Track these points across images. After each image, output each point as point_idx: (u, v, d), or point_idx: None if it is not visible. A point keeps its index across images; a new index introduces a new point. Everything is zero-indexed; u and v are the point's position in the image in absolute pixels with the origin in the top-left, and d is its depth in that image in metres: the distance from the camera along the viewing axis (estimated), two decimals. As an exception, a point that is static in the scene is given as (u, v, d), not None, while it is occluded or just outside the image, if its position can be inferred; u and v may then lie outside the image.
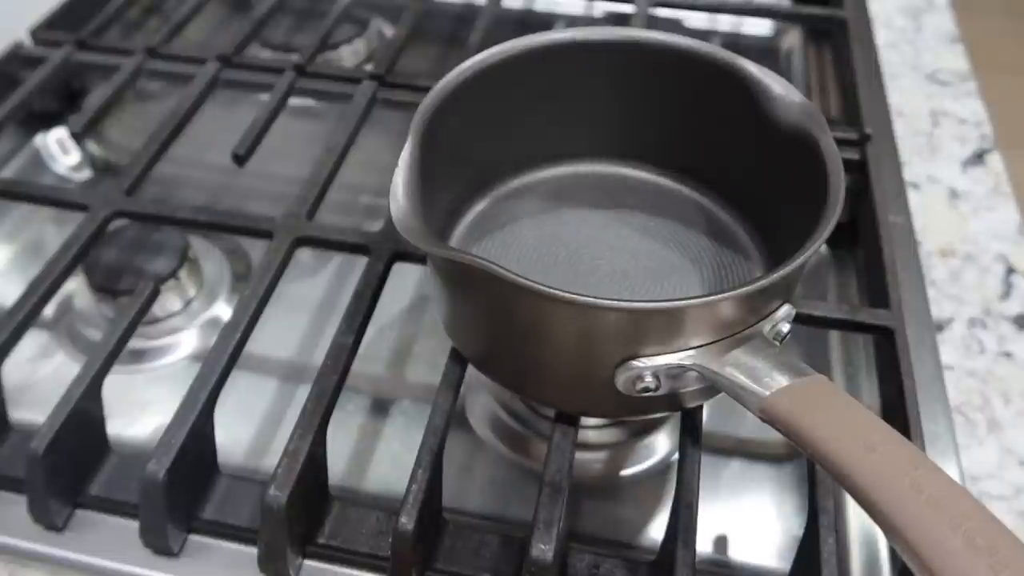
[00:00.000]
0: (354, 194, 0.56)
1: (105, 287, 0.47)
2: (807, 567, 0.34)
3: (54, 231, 0.55)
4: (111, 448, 0.40)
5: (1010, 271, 0.51)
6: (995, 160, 0.58)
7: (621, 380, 0.32)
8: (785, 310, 0.33)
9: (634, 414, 0.38)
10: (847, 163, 0.35)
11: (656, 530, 0.36)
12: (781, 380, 0.30)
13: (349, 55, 0.67)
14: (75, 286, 0.49)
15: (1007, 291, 0.50)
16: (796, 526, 0.39)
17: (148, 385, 0.46)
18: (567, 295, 0.30)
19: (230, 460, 0.41)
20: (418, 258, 0.44)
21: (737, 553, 0.39)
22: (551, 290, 0.30)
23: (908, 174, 0.56)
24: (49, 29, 0.64)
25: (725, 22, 0.71)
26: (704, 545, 0.39)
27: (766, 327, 0.33)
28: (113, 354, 0.40)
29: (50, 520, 0.37)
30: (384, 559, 0.36)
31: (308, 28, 0.67)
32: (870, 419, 0.28)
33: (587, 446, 0.42)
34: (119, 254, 0.48)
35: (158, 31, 0.62)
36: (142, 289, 0.42)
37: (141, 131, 0.53)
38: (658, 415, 0.41)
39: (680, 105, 0.42)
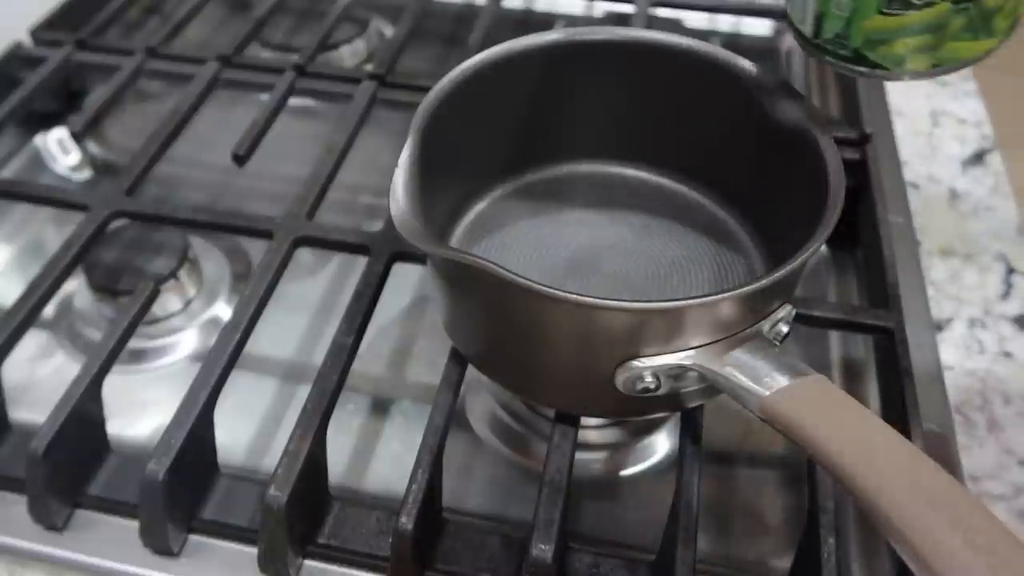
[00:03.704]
0: (354, 194, 0.56)
1: (105, 287, 0.47)
2: (807, 567, 0.34)
3: (54, 231, 0.55)
4: (111, 448, 0.40)
5: (1010, 271, 0.51)
6: (995, 160, 0.58)
7: (621, 380, 0.32)
8: (785, 310, 0.33)
9: (634, 414, 0.38)
10: (847, 163, 0.35)
11: (656, 530, 0.36)
12: (781, 380, 0.30)
13: (349, 55, 0.67)
14: (75, 286, 0.49)
15: (1007, 291, 0.50)
16: (796, 526, 0.39)
17: (148, 385, 0.46)
18: (567, 295, 0.30)
19: (230, 460, 0.41)
20: (418, 258, 0.44)
21: (737, 553, 0.39)
22: (551, 290, 0.30)
23: (908, 174, 0.56)
24: (49, 29, 0.64)
25: (725, 22, 0.71)
26: (704, 545, 0.39)
27: (766, 327, 0.33)
28: (113, 354, 0.40)
29: (50, 520, 0.37)
30: (384, 559, 0.36)
31: (308, 28, 0.67)
32: (870, 419, 0.28)
33: (587, 446, 0.42)
34: (119, 254, 0.48)
35: (158, 31, 0.62)
36: (142, 289, 0.42)
37: (141, 131, 0.53)
38: (658, 415, 0.41)
39: (680, 105, 0.42)
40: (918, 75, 0.32)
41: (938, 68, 0.32)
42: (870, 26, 0.32)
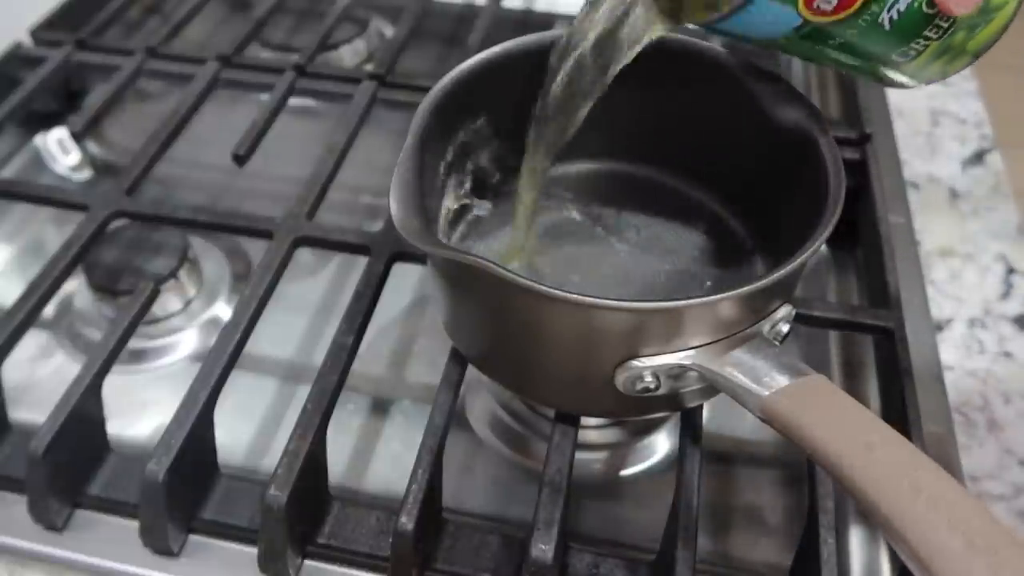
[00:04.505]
0: (354, 194, 0.56)
1: (105, 287, 0.47)
2: (807, 567, 0.34)
3: (54, 231, 0.55)
4: (111, 448, 0.40)
5: (1010, 271, 0.51)
6: (995, 160, 0.58)
7: (621, 380, 0.32)
8: (785, 310, 0.33)
9: (634, 414, 0.38)
10: (847, 163, 0.35)
11: (656, 530, 0.36)
12: (781, 380, 0.30)
13: (349, 55, 0.67)
14: (75, 286, 0.49)
15: (1007, 291, 0.50)
16: (796, 526, 0.39)
17: (148, 385, 0.46)
18: (567, 295, 0.30)
19: (230, 460, 0.41)
20: (418, 258, 0.44)
21: (737, 553, 0.39)
22: (551, 290, 0.30)
23: (908, 174, 0.56)
24: (49, 29, 0.64)
25: (725, 22, 0.71)
26: (704, 545, 0.39)
27: (766, 327, 0.33)
28: (113, 354, 0.40)
29: (50, 520, 0.37)
30: (384, 559, 0.36)
31: (308, 28, 0.67)
32: (870, 419, 0.28)
33: (587, 446, 0.42)
34: (119, 254, 0.48)
35: (158, 31, 0.62)
36: (142, 289, 0.42)
37: (141, 131, 0.53)
38: (658, 415, 0.41)
39: (680, 104, 0.42)
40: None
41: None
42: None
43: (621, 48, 0.35)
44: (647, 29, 0.34)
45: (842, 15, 0.30)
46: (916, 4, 0.30)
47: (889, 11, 0.30)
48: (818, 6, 0.30)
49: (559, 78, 0.36)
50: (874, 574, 0.38)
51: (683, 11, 0.34)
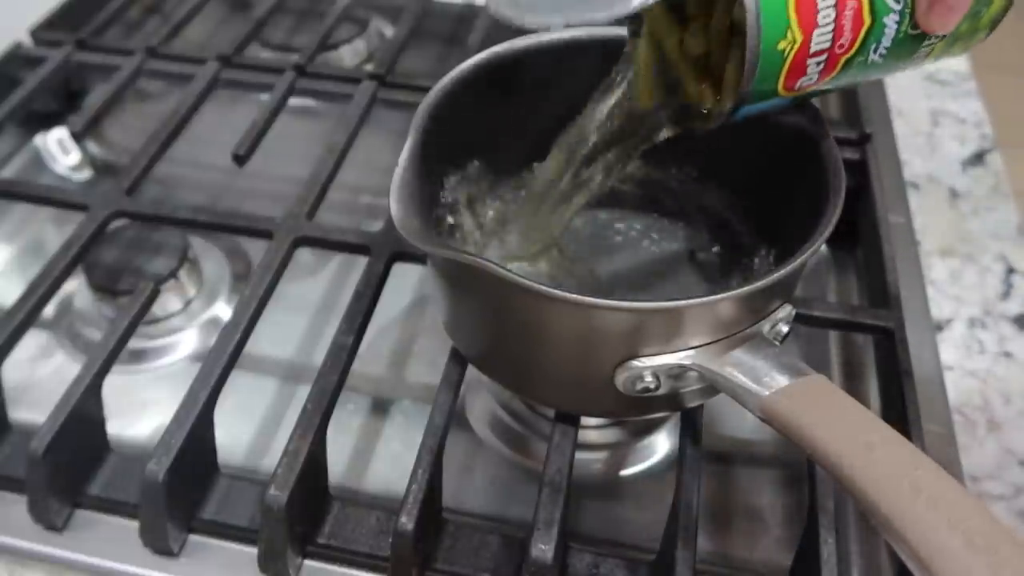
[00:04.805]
0: (354, 194, 0.56)
1: (105, 287, 0.47)
2: (807, 567, 0.34)
3: (54, 231, 0.55)
4: (111, 448, 0.40)
5: (1010, 271, 0.51)
6: (995, 160, 0.58)
7: (621, 380, 0.32)
8: (785, 310, 0.33)
9: (634, 414, 0.38)
10: (847, 163, 0.35)
11: (656, 530, 0.36)
12: (781, 380, 0.30)
13: (349, 55, 0.67)
14: (75, 286, 0.49)
15: (1007, 291, 0.50)
16: (796, 526, 0.39)
17: (148, 385, 0.46)
18: (567, 295, 0.30)
19: (230, 460, 0.41)
20: (418, 258, 0.44)
21: (737, 553, 0.39)
22: (551, 290, 0.30)
23: (908, 174, 0.56)
24: (49, 29, 0.64)
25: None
26: (704, 545, 0.39)
27: (766, 327, 0.33)
28: (113, 354, 0.40)
29: (50, 520, 0.37)
30: (384, 559, 0.36)
31: (308, 28, 0.67)
32: (870, 419, 0.28)
33: (587, 446, 0.42)
34: (119, 254, 0.48)
35: (158, 31, 0.63)
36: (142, 289, 0.42)
37: (141, 131, 0.53)
38: (658, 415, 0.41)
39: (680, 105, 0.42)
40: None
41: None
42: None
43: (629, 151, 0.37)
44: (655, 133, 0.36)
45: (828, 78, 0.30)
46: (900, 35, 0.30)
47: (875, 52, 0.30)
48: (800, 86, 0.30)
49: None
50: (874, 574, 0.38)
51: (687, 117, 0.36)
